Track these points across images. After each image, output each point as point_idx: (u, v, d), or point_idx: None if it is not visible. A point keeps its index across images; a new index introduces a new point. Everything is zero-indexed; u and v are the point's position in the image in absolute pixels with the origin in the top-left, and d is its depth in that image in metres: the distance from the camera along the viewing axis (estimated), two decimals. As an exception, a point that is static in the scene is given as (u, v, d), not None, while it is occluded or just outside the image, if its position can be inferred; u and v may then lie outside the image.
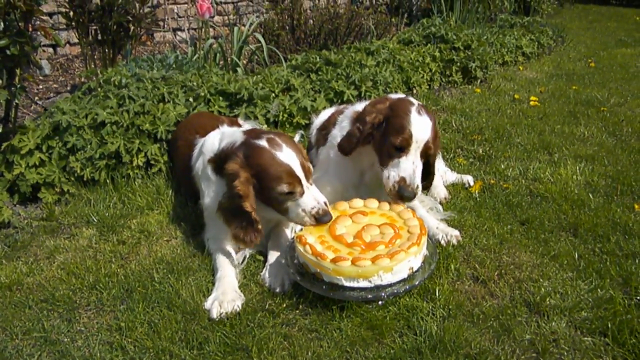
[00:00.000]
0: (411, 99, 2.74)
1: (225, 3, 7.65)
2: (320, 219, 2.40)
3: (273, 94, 4.09)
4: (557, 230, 2.80)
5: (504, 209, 3.00)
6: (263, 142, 2.42)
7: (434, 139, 2.63)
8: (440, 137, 2.78)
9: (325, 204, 2.43)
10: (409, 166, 2.57)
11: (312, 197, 2.41)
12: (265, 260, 2.54)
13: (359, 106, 2.88)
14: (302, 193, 2.40)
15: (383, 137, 2.65)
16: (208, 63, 4.80)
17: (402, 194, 2.56)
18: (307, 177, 2.43)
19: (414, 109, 2.62)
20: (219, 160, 2.51)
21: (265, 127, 3.84)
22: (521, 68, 6.78)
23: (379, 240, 2.35)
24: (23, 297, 2.35)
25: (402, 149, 2.58)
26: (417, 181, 2.57)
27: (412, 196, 2.57)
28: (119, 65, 4.39)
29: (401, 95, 2.85)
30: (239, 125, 3.20)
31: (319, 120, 3.38)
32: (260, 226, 2.40)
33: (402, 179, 2.56)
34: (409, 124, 2.56)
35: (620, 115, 4.77)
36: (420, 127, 2.57)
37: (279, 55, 5.16)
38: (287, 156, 2.39)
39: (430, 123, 2.61)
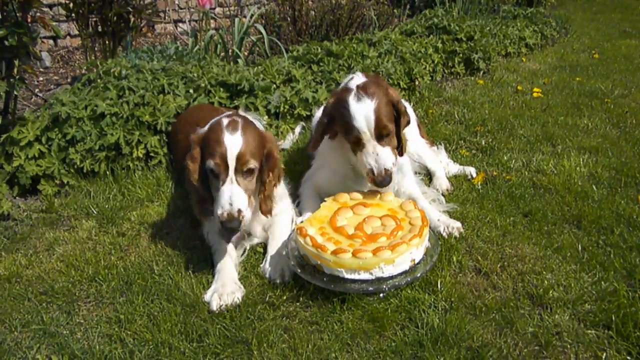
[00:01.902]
0: (353, 81, 2.67)
1: (226, -6, 7.60)
2: (223, 223, 2.28)
3: (274, 85, 4.07)
4: (561, 222, 2.78)
5: (507, 200, 2.98)
6: (225, 120, 2.39)
7: (387, 115, 2.56)
8: (399, 102, 2.65)
9: (238, 210, 2.28)
10: (370, 157, 2.56)
11: (228, 195, 2.29)
12: (265, 252, 2.52)
13: None
14: (224, 182, 2.31)
15: (341, 134, 2.66)
16: (209, 54, 4.77)
17: (376, 183, 2.58)
18: (238, 172, 2.32)
19: (351, 98, 2.55)
20: None
21: (266, 118, 3.81)
22: (524, 59, 6.73)
23: (380, 232, 2.33)
24: (22, 289, 2.34)
25: (357, 143, 2.58)
26: (385, 165, 2.54)
27: (386, 182, 2.56)
28: (119, 57, 4.36)
29: (351, 77, 2.78)
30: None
31: (320, 112, 3.36)
32: (207, 205, 2.40)
33: (370, 171, 2.57)
34: (351, 117, 2.53)
35: (624, 106, 4.73)
36: (362, 115, 2.52)
37: (280, 46, 5.13)
38: (231, 140, 2.31)
39: (372, 105, 2.52)
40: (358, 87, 2.59)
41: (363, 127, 2.52)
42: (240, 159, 2.30)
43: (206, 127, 2.46)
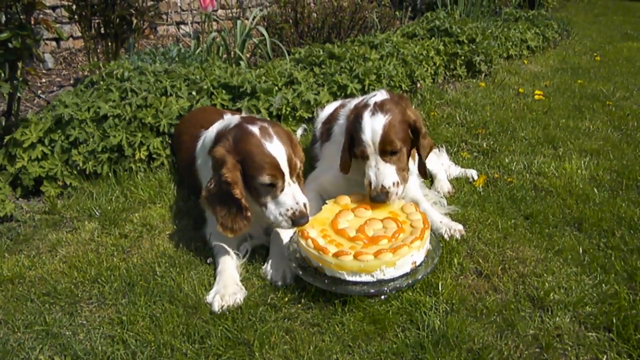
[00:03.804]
0: (373, 98, 2.68)
1: (228, -4, 7.62)
2: (297, 221, 2.35)
3: (276, 88, 4.07)
4: (562, 224, 2.78)
5: (508, 203, 2.98)
6: (255, 129, 2.38)
7: (398, 133, 2.57)
8: (417, 122, 2.65)
9: (304, 205, 2.37)
10: (371, 171, 2.59)
11: (291, 196, 2.36)
12: (267, 254, 2.53)
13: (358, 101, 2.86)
14: (283, 188, 2.36)
15: (355, 147, 2.68)
16: (211, 56, 4.79)
17: (371, 198, 2.59)
18: (292, 173, 2.38)
19: (366, 113, 2.60)
20: (213, 145, 2.50)
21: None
22: (526, 62, 6.74)
23: (381, 235, 2.33)
24: (25, 290, 2.35)
25: (363, 156, 2.62)
26: (383, 182, 2.55)
27: (379, 199, 2.57)
28: (121, 59, 4.37)
29: (374, 93, 2.78)
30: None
31: (324, 113, 3.36)
32: (249, 213, 2.38)
33: (368, 184, 2.60)
34: (362, 131, 2.57)
35: (625, 109, 4.73)
36: (371, 130, 2.56)
37: (282, 48, 5.14)
38: (275, 148, 2.34)
39: (383, 120, 2.55)
40: (376, 103, 2.63)
41: (368, 139, 2.55)
42: (290, 162, 2.39)
43: (229, 136, 2.43)
